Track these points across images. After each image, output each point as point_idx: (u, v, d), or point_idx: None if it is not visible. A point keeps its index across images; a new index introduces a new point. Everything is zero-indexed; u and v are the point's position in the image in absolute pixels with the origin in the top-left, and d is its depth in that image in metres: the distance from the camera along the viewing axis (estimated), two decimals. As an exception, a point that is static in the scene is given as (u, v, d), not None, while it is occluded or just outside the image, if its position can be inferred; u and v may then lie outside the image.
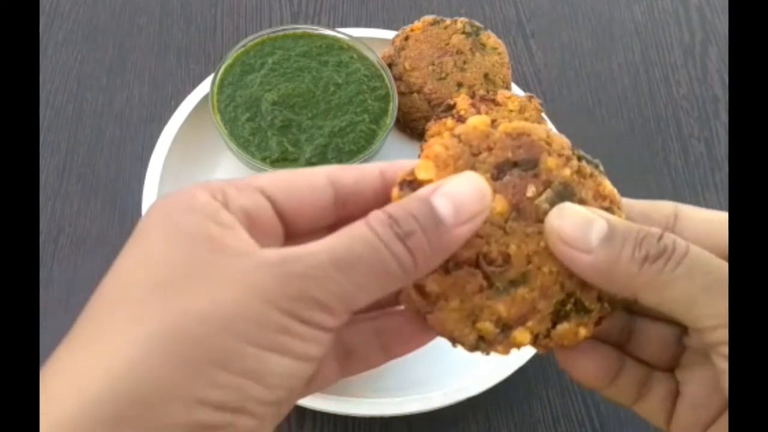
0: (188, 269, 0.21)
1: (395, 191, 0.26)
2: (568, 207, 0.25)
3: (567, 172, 0.27)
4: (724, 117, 0.71)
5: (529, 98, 0.57)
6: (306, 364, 0.22)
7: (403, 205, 0.24)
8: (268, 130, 0.56)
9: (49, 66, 0.68)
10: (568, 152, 0.27)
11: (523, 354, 0.49)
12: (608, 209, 0.26)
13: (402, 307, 0.27)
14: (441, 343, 0.27)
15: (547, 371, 0.54)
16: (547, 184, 0.26)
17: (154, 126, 0.62)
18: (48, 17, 0.71)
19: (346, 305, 0.22)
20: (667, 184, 0.66)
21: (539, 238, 0.26)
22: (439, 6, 0.77)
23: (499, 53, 0.63)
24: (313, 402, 0.47)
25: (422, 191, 0.24)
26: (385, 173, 0.27)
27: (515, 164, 0.27)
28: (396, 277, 0.23)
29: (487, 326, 0.26)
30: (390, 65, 0.62)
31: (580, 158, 0.27)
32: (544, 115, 0.58)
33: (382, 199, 0.26)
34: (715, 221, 0.27)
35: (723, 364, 0.24)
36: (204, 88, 0.61)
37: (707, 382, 0.27)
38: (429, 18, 0.63)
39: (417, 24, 0.63)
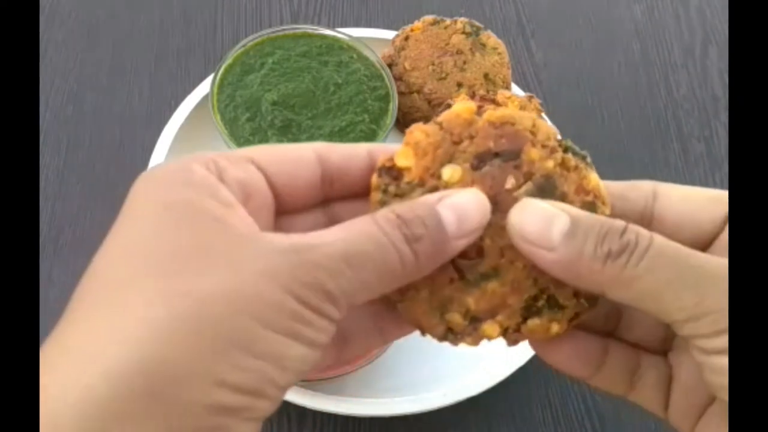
0: (197, 248, 0.21)
1: (374, 178, 0.26)
2: (529, 202, 0.25)
3: (550, 164, 0.26)
4: (724, 117, 0.71)
5: (529, 98, 0.57)
6: (315, 351, 0.22)
7: (411, 208, 0.24)
8: (268, 130, 0.56)
9: (49, 66, 0.68)
10: (553, 143, 0.26)
11: (524, 354, 0.49)
12: (591, 204, 0.26)
13: None
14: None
15: (547, 371, 0.54)
16: (528, 177, 0.26)
17: (154, 126, 0.62)
18: (48, 17, 0.71)
19: (349, 300, 0.22)
20: (667, 184, 0.66)
21: None
22: (439, 6, 0.77)
23: (499, 53, 0.63)
24: (313, 402, 0.47)
25: (428, 198, 0.24)
26: (373, 154, 0.26)
27: (497, 154, 0.26)
28: (397, 277, 0.23)
29: (455, 318, 0.26)
30: (390, 65, 0.62)
31: (566, 149, 0.26)
32: (544, 115, 0.58)
33: (368, 180, 0.26)
34: (695, 200, 0.26)
35: (700, 358, 0.23)
36: (204, 88, 0.61)
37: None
38: (429, 18, 0.63)
39: (417, 24, 0.63)
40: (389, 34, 0.66)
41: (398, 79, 0.62)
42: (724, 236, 0.26)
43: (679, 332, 0.24)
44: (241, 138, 0.56)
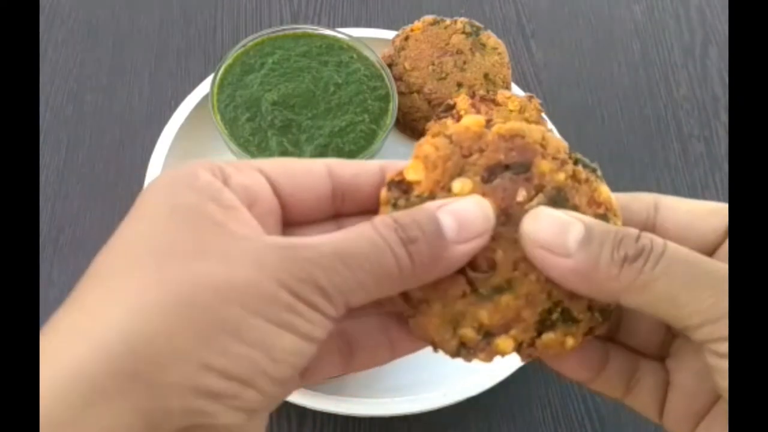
0: (195, 244, 0.22)
1: (383, 192, 0.26)
2: (542, 211, 0.25)
3: (561, 176, 0.26)
4: (724, 117, 0.71)
5: (529, 98, 0.57)
6: (311, 344, 0.22)
7: (409, 213, 0.24)
8: (268, 130, 0.56)
9: (49, 66, 0.68)
10: (563, 156, 0.26)
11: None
12: (603, 216, 0.25)
13: None
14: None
15: (547, 371, 0.54)
16: (540, 189, 0.25)
17: (154, 126, 0.62)
18: (48, 17, 0.71)
19: (345, 298, 0.23)
20: (667, 184, 0.66)
21: None
22: (439, 6, 0.77)
23: (499, 53, 0.63)
24: (314, 402, 0.47)
25: (429, 205, 0.25)
26: (385, 171, 0.27)
27: (507, 167, 0.26)
28: (394, 279, 0.23)
29: (468, 332, 0.25)
30: (390, 65, 0.62)
31: (576, 162, 0.26)
32: (544, 115, 0.58)
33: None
34: (697, 212, 0.26)
35: (713, 361, 0.23)
36: (204, 88, 0.61)
37: (699, 371, 0.26)
38: (429, 18, 0.63)
39: (417, 24, 0.63)
40: (389, 34, 0.66)
41: (398, 79, 0.62)
42: (726, 246, 0.26)
43: (692, 336, 0.24)
44: (241, 138, 0.56)
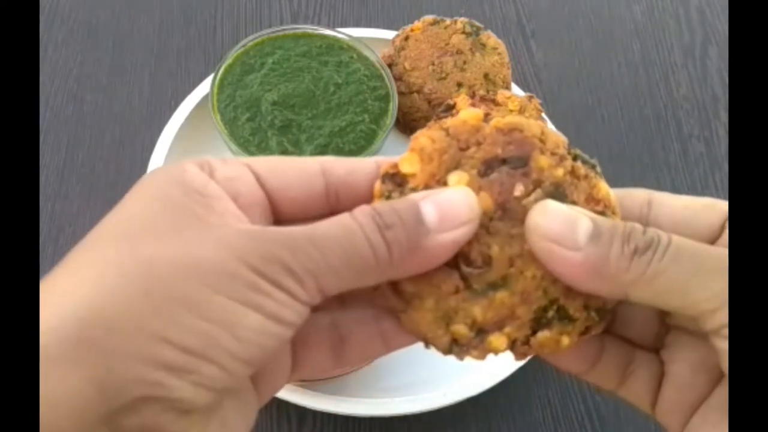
0: (170, 228, 0.22)
1: (378, 184, 0.25)
2: (550, 204, 0.25)
3: (560, 172, 0.25)
4: (724, 117, 0.71)
5: (529, 98, 0.57)
6: (281, 326, 0.22)
7: (389, 202, 0.24)
8: (268, 130, 0.56)
9: (49, 66, 0.68)
10: (562, 151, 0.25)
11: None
12: (601, 213, 0.25)
13: None
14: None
15: (547, 371, 0.54)
16: (537, 184, 0.25)
17: (154, 126, 0.62)
18: (48, 17, 0.71)
19: (317, 282, 0.22)
20: (667, 184, 0.66)
21: (525, 240, 0.25)
22: (439, 6, 0.77)
23: (499, 53, 0.63)
24: (314, 402, 0.47)
25: (412, 196, 0.24)
26: (382, 167, 0.26)
27: (505, 161, 0.25)
28: (369, 266, 0.23)
29: (461, 329, 0.25)
30: (390, 65, 0.62)
31: (576, 158, 0.26)
32: (544, 115, 0.58)
33: None
34: (692, 207, 0.26)
35: (725, 345, 0.23)
36: (204, 88, 0.61)
37: (694, 362, 0.26)
38: (429, 18, 0.63)
39: (417, 24, 0.63)
40: (389, 34, 0.66)
41: (398, 79, 0.62)
42: (721, 242, 0.26)
43: (704, 325, 0.24)
44: (241, 138, 0.56)
